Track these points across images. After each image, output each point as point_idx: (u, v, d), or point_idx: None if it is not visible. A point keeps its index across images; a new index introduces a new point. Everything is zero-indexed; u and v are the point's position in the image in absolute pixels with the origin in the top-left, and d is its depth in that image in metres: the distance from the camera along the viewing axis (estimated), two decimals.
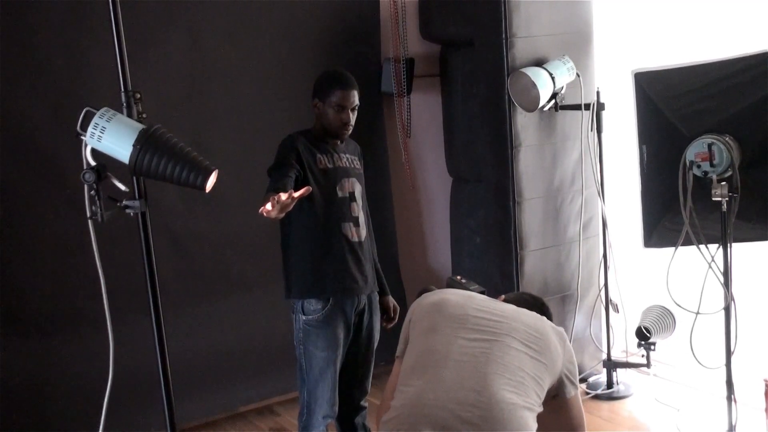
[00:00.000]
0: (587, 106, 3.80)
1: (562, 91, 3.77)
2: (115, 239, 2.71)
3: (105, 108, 1.98)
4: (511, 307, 2.22)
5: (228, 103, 3.80)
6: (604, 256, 3.94)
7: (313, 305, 2.81)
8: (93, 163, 2.00)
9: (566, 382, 2.12)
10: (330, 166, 2.84)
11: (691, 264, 3.04)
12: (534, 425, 1.95)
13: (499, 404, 1.88)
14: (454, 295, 2.26)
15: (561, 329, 2.20)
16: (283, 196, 2.28)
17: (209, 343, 3.80)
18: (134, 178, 2.07)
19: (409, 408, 1.93)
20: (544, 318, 2.23)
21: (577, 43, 3.93)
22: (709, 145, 2.84)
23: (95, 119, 1.95)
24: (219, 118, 3.79)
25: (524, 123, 3.79)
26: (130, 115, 2.03)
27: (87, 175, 1.98)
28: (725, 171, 2.86)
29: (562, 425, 2.11)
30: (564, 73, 3.71)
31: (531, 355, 2.03)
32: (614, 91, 3.88)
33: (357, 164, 2.97)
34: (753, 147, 2.90)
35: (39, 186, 3.35)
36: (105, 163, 2.01)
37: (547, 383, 2.04)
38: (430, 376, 1.98)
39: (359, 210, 2.89)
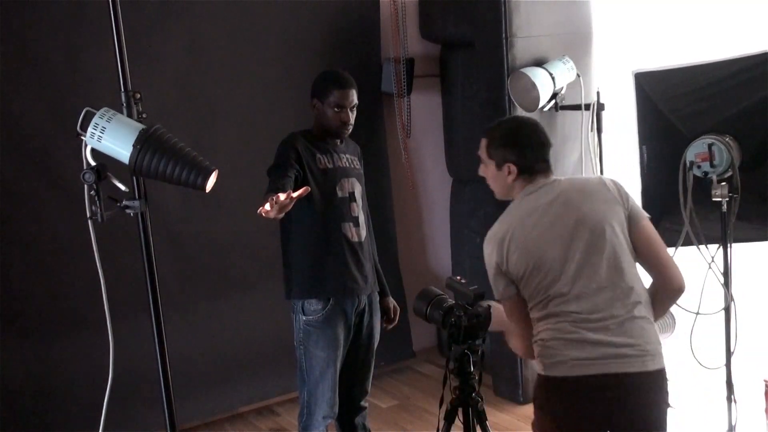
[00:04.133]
0: (587, 107, 3.80)
1: (562, 92, 3.76)
2: (115, 239, 2.71)
3: (105, 108, 1.97)
4: (566, 193, 2.28)
5: (228, 103, 3.80)
6: None
7: (314, 305, 2.81)
8: (93, 163, 2.00)
9: (637, 216, 2.23)
10: (330, 166, 2.84)
11: (691, 264, 3.03)
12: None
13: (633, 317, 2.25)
14: (552, 248, 2.28)
15: (607, 179, 2.29)
16: (282, 197, 2.27)
17: (209, 343, 3.80)
18: (134, 178, 2.07)
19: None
20: (589, 180, 2.33)
21: (577, 43, 3.93)
22: (709, 146, 2.83)
23: (95, 119, 1.94)
24: (219, 118, 3.79)
25: None
26: (130, 115, 2.02)
27: (87, 175, 1.98)
28: (725, 171, 2.85)
29: (647, 240, 2.23)
30: (564, 73, 3.71)
31: (611, 241, 2.18)
32: (614, 91, 3.87)
33: (357, 164, 2.97)
34: (753, 147, 2.89)
35: (39, 186, 3.35)
36: (105, 163, 2.01)
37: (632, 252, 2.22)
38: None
39: (359, 210, 2.89)
